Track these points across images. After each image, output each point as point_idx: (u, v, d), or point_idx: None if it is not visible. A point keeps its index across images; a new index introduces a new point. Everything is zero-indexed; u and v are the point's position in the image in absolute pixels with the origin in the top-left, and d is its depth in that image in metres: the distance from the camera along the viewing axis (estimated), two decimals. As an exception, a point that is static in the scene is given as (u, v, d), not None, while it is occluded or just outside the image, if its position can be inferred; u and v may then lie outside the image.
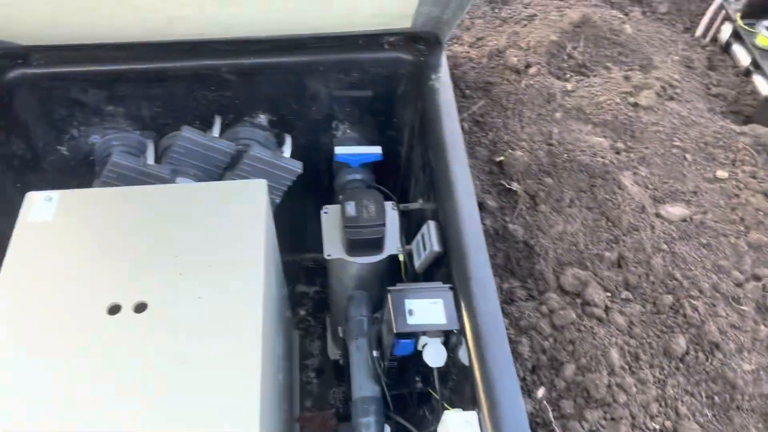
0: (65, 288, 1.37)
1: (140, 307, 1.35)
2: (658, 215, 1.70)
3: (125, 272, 1.41)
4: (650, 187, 1.77)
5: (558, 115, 1.99)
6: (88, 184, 1.97)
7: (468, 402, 1.28)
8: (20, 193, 1.73)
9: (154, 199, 1.56)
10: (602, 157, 1.80)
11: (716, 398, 1.40)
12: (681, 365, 1.44)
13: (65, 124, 1.91)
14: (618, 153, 1.85)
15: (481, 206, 1.75)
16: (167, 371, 1.25)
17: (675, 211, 1.72)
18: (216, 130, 1.87)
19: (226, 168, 1.91)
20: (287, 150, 1.91)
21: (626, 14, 2.37)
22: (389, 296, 1.39)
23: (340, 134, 2.08)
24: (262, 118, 1.99)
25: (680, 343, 1.44)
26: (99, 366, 1.25)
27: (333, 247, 1.78)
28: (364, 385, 1.54)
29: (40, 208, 1.51)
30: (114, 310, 1.34)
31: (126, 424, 1.17)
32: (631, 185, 1.76)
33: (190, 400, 1.21)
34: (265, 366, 1.30)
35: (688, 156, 1.83)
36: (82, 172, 2.02)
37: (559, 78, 2.12)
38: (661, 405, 1.37)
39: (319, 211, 1.89)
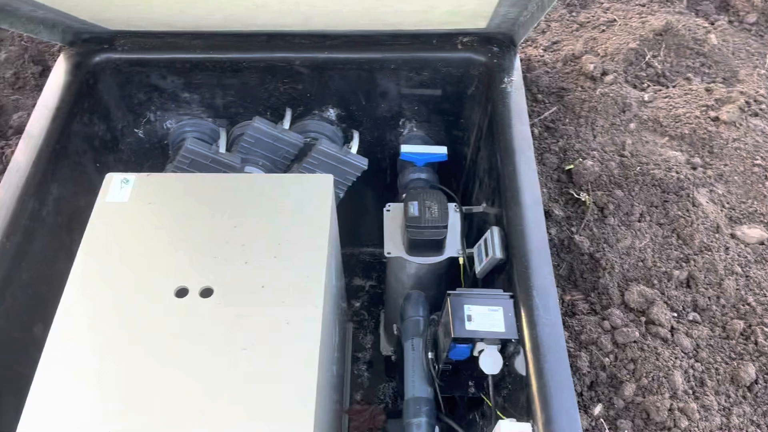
0: (137, 268, 1.43)
1: (206, 292, 1.39)
2: (733, 236, 1.63)
3: (194, 257, 1.45)
4: (727, 206, 1.69)
5: (632, 125, 1.93)
6: (160, 167, 2.04)
7: (522, 412, 1.27)
8: (98, 173, 1.82)
9: (224, 187, 1.60)
10: (677, 172, 1.73)
11: (783, 431, 1.34)
12: (748, 394, 1.38)
13: (143, 109, 1.98)
14: (694, 168, 1.78)
15: (548, 215, 1.72)
16: (228, 357, 1.29)
17: (752, 233, 1.64)
18: (286, 123, 1.91)
19: (294, 160, 1.94)
20: (354, 146, 1.93)
21: (712, 23, 2.27)
22: (449, 300, 1.39)
23: (407, 132, 2.09)
24: (332, 113, 2.01)
25: (749, 371, 1.38)
26: (163, 346, 1.30)
27: (393, 245, 1.79)
28: (417, 386, 1.55)
29: (117, 189, 1.57)
30: (181, 293, 1.39)
31: (185, 407, 1.21)
32: (706, 203, 1.70)
33: (249, 386, 1.24)
34: (322, 358, 1.33)
35: (770, 176, 1.75)
36: (155, 155, 2.09)
37: (636, 87, 2.05)
38: (724, 434, 1.32)
39: (380, 208, 1.90)
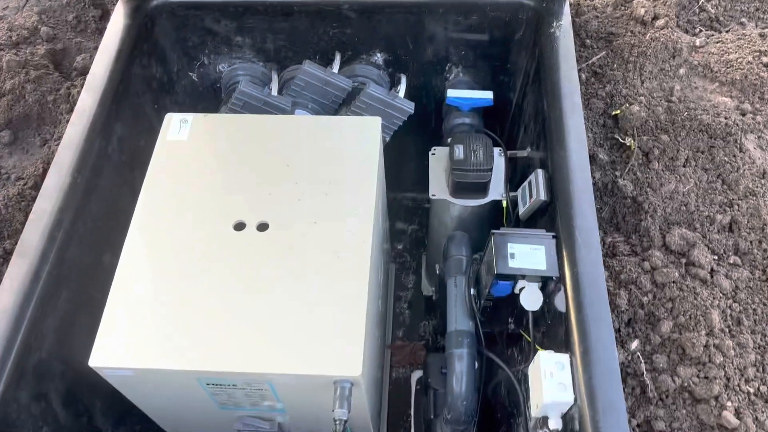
0: (197, 203, 1.52)
1: (263, 227, 1.48)
2: (779, 183, 1.63)
3: (250, 193, 1.53)
4: (774, 152, 1.69)
5: (682, 71, 1.91)
6: (212, 109, 2.12)
7: (560, 346, 1.33)
8: (156, 113, 1.90)
9: (276, 128, 1.67)
10: (725, 118, 1.72)
11: (817, 372, 1.38)
12: (785, 334, 1.41)
13: (197, 52, 2.05)
14: (744, 115, 1.76)
15: (592, 159, 1.74)
16: (284, 286, 1.38)
17: (799, 179, 1.64)
18: (335, 66, 1.95)
19: (342, 104, 1.99)
20: (401, 90, 1.96)
21: (769, -35, 2.20)
22: (492, 238, 1.44)
23: (453, 77, 2.11)
24: (379, 57, 2.04)
25: (787, 313, 1.41)
26: (222, 276, 1.39)
27: (438, 187, 1.84)
28: (459, 320, 1.62)
29: (177, 128, 1.65)
30: (239, 227, 1.48)
31: (243, 332, 1.31)
32: (753, 149, 1.69)
33: (303, 312, 1.34)
34: (370, 290, 1.41)
35: (821, 124, 1.72)
36: (207, 97, 2.17)
37: (687, 32, 2.02)
38: (758, 370, 1.36)
39: (424, 153, 1.94)
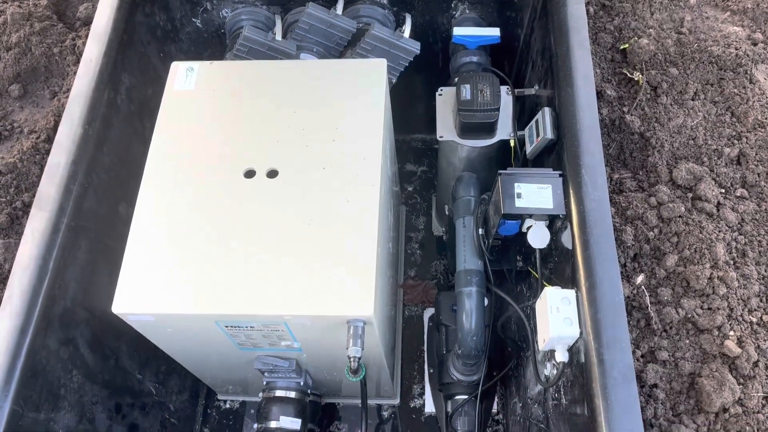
0: (207, 152, 1.54)
1: (272, 173, 1.50)
2: (789, 114, 1.61)
3: (258, 140, 1.55)
4: (786, 83, 1.66)
5: (693, 0, 1.87)
6: (218, 56, 2.11)
7: (567, 282, 1.36)
8: (162, 62, 1.90)
9: (282, 74, 1.67)
10: (736, 48, 1.69)
11: (821, 301, 1.40)
12: (790, 266, 1.43)
13: (200, -3, 2.02)
14: (755, 44, 1.72)
15: (600, 95, 1.72)
16: (295, 230, 1.41)
17: (809, 110, 1.62)
18: (339, 8, 1.92)
19: (347, 46, 1.97)
20: (407, 30, 1.94)
21: None
22: (499, 178, 1.45)
23: (459, 15, 2.07)
24: (383, -4, 2.00)
25: (792, 244, 1.42)
26: (236, 222, 1.43)
27: (445, 128, 1.84)
28: (468, 259, 1.65)
29: (183, 77, 1.66)
30: (249, 174, 1.50)
31: (256, 274, 1.35)
32: (764, 80, 1.66)
33: (315, 254, 1.37)
34: (380, 232, 1.44)
35: (835, 52, 1.68)
36: (213, 44, 2.15)
37: (699, -42, 1.96)
38: (762, 300, 1.38)
39: (431, 94, 1.93)
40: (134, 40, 1.79)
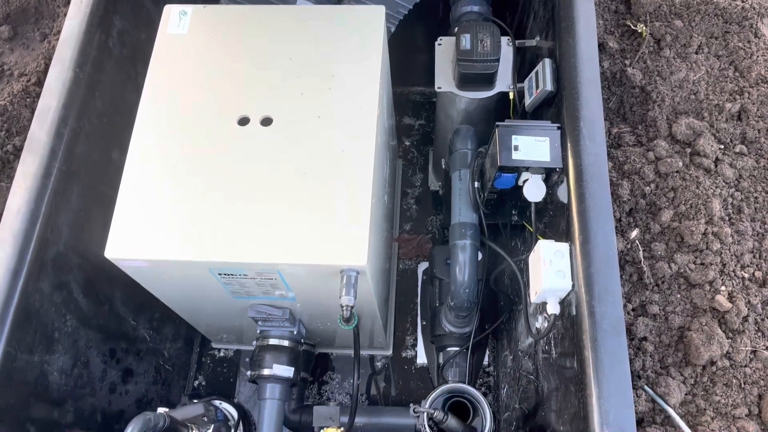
0: (200, 98, 1.51)
1: (266, 121, 1.48)
2: (793, 69, 1.59)
3: (252, 87, 1.52)
4: (792, 37, 1.63)
5: (701, -50, 1.81)
6: (214, 0, 2.05)
7: (561, 235, 1.35)
8: (155, 5, 1.85)
9: (278, 19, 1.63)
10: (743, 1, 1.65)
11: (815, 256, 1.40)
12: (786, 222, 1.43)
13: (193, -62, 1.96)
14: (762, -3, 1.69)
15: (602, 47, 1.69)
16: (289, 179, 1.40)
17: (815, 65, 1.59)
18: (337, -48, 1.86)
19: (345, -8, 1.92)
20: (407, -24, 1.88)
21: None
22: (496, 131, 1.43)
23: (460, -38, 2.01)
24: (383, -59, 1.94)
25: (789, 200, 1.42)
26: (229, 170, 1.41)
27: (444, 79, 1.81)
28: (463, 212, 1.65)
29: (177, 21, 1.62)
30: (243, 121, 1.48)
31: (251, 223, 1.35)
32: (769, 34, 1.63)
33: (310, 204, 1.36)
34: (375, 184, 1.42)
35: (843, 6, 1.64)
36: (207, -12, 2.09)
37: None
38: (755, 256, 1.38)
39: (431, 45, 1.89)
40: (126, -19, 1.74)
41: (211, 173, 1.41)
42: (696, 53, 1.64)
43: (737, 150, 1.50)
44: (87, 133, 1.55)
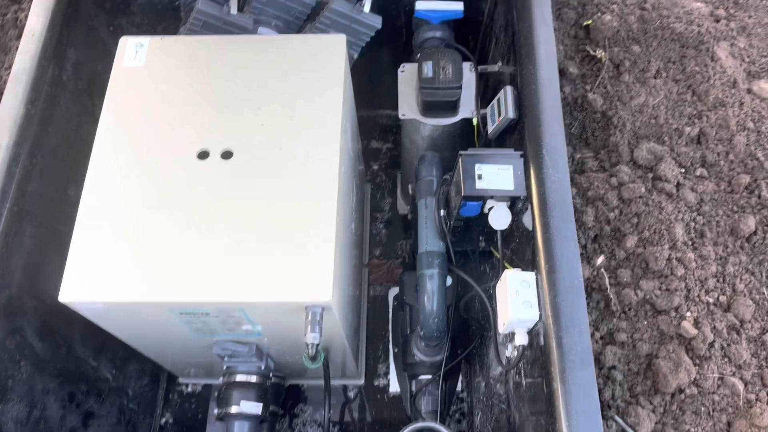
0: (158, 132, 1.48)
1: (227, 155, 1.45)
2: (749, 91, 1.60)
3: (212, 120, 1.49)
4: (747, 60, 1.65)
5: (657, -25, 1.84)
6: (174, 29, 2.02)
7: (528, 263, 1.35)
8: (113, 36, 1.81)
9: (237, 50, 1.60)
10: (699, 26, 1.67)
11: (777, 279, 1.41)
12: (746, 245, 1.44)
13: (151, -34, 1.93)
14: (717, 21, 1.71)
15: (562, 73, 1.70)
16: (251, 213, 1.37)
17: (769, 87, 1.62)
18: (297, -20, 1.85)
19: (306, 20, 1.91)
20: (367, 4, 1.88)
21: None
22: (460, 160, 1.43)
23: (422, -12, 2.01)
24: (343, -32, 1.93)
25: (749, 223, 1.42)
26: (188, 206, 1.37)
27: (408, 106, 1.80)
28: (430, 241, 1.63)
29: (133, 53, 1.58)
30: (203, 155, 1.45)
31: (211, 260, 1.31)
32: (725, 57, 1.65)
33: (271, 239, 1.33)
34: (340, 214, 1.40)
35: (796, 27, 1.68)
36: (168, 17, 2.06)
37: (663, -68, 1.93)
38: (719, 281, 1.39)
39: (396, 68, 1.89)
40: (81, 13, 1.70)
41: (170, 209, 1.38)
42: (654, 78, 1.66)
43: (698, 173, 1.52)
44: (41, 170, 1.50)
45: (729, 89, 1.61)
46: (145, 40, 1.59)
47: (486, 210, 1.48)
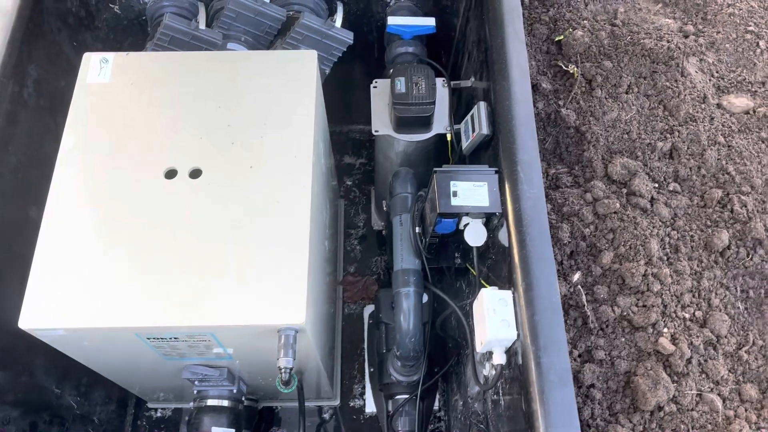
0: (124, 150, 1.43)
1: (195, 173, 1.41)
2: (719, 106, 1.62)
3: (180, 138, 1.45)
4: (716, 75, 1.67)
5: (626, -9, 1.86)
6: (141, 45, 1.98)
7: (504, 281, 1.33)
8: (76, 52, 1.77)
9: (206, 66, 1.57)
10: (668, 41, 1.69)
11: (751, 293, 1.42)
12: (720, 259, 1.44)
13: (117, -19, 1.89)
14: (686, 37, 1.73)
15: (535, 88, 1.70)
16: (221, 234, 1.33)
17: (738, 102, 1.63)
18: (267, -5, 1.82)
19: (277, 35, 1.88)
20: (339, 19, 1.86)
21: None
22: (434, 177, 1.41)
23: (394, 3, 2.01)
24: (314, -17, 1.92)
25: (723, 237, 1.43)
26: (155, 226, 1.33)
27: (381, 122, 1.79)
28: (405, 258, 1.61)
29: (97, 69, 1.54)
30: (171, 174, 1.41)
31: (180, 283, 1.27)
32: (695, 72, 1.67)
33: (242, 260, 1.29)
34: (313, 233, 1.37)
35: (761, 43, 1.70)
36: (134, 32, 2.02)
37: (631, -51, 1.96)
38: (694, 296, 1.39)
39: (368, 83, 1.87)
40: (43, 28, 1.65)
41: (137, 230, 1.33)
42: (626, 93, 1.67)
43: (671, 188, 1.52)
44: (1, 191, 1.44)
45: (699, 104, 1.62)
46: (110, 56, 1.55)
47: (461, 226, 1.46)
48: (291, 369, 1.25)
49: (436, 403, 2.04)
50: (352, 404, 2.08)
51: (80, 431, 1.74)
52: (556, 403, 1.13)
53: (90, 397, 1.80)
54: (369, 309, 2.20)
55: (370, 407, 2.05)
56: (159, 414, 2.04)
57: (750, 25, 1.73)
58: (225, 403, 1.64)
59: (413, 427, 1.79)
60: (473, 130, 1.51)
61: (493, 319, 1.25)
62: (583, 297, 1.39)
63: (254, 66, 1.56)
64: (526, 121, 1.40)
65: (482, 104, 1.50)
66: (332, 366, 2.02)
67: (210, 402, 1.63)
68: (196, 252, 1.31)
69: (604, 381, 1.32)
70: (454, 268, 1.75)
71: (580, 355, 1.36)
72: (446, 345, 1.90)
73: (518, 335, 1.22)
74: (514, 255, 1.28)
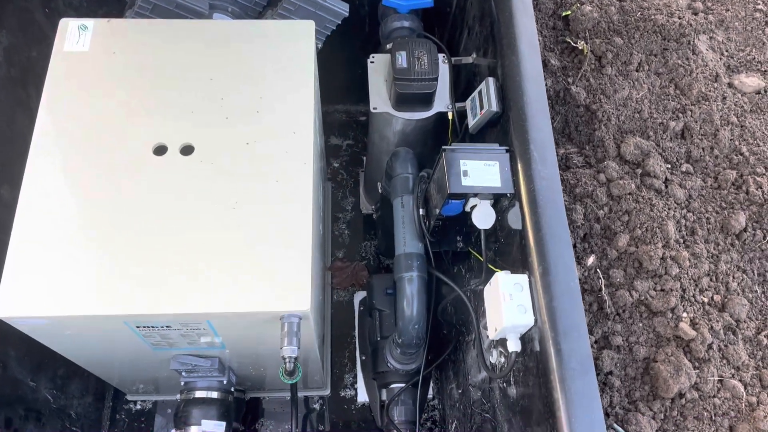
0: (108, 125, 1.32)
1: (187, 150, 1.31)
2: (731, 85, 1.58)
3: (169, 112, 1.35)
4: (726, 54, 1.63)
5: (632, -34, 1.81)
6: (116, 13, 1.85)
7: (513, 264, 1.27)
8: (49, 20, 1.63)
9: (196, 35, 1.46)
10: (680, 18, 1.64)
11: (768, 276, 1.39)
12: (737, 242, 1.41)
13: (92, -57, 1.76)
14: (696, 14, 1.69)
15: (543, 65, 1.63)
16: (218, 215, 1.23)
17: (750, 82, 1.60)
18: (258, -38, 1.72)
19: (267, 5, 1.77)
20: (333, -10, 1.76)
21: None
22: (443, 155, 1.33)
23: (389, -25, 1.91)
24: (306, -49, 1.81)
25: (739, 219, 1.40)
26: (145, 207, 1.22)
27: (379, 99, 1.70)
28: (408, 242, 1.53)
29: (76, 37, 1.42)
30: (160, 150, 1.30)
31: (173, 266, 1.17)
32: (705, 51, 1.63)
33: (240, 245, 1.20)
34: (314, 215, 1.29)
35: (770, 22, 1.67)
36: (110, 0, 1.89)
37: (638, -77, 1.90)
38: (712, 280, 1.35)
39: (356, 61, 1.78)
40: (12, -8, 1.52)
41: (124, 211, 1.22)
42: (637, 71, 1.62)
43: (684, 169, 1.48)
44: (-31, 169, 1.32)
45: (711, 83, 1.58)
46: (90, 23, 1.43)
47: (468, 208, 1.39)
48: (296, 358, 1.17)
49: (430, 392, 1.98)
50: (342, 394, 2.01)
51: (56, 425, 1.63)
52: (578, 392, 1.07)
53: (66, 390, 1.68)
54: (359, 296, 2.13)
55: (362, 397, 1.97)
56: (138, 406, 1.94)
57: (759, 4, 1.70)
58: (214, 394, 1.55)
59: (410, 416, 1.73)
60: (481, 108, 1.43)
61: (510, 305, 1.18)
62: (601, 281, 1.34)
63: (248, 36, 1.46)
64: (538, 97, 1.34)
65: (491, 80, 1.43)
66: (323, 354, 1.95)
67: (198, 394, 1.54)
68: (190, 234, 1.21)
69: (622, 368, 1.27)
70: (452, 252, 1.68)
71: (596, 342, 1.31)
72: (441, 332, 1.84)
73: (536, 321, 1.17)
74: (528, 238, 1.22)
